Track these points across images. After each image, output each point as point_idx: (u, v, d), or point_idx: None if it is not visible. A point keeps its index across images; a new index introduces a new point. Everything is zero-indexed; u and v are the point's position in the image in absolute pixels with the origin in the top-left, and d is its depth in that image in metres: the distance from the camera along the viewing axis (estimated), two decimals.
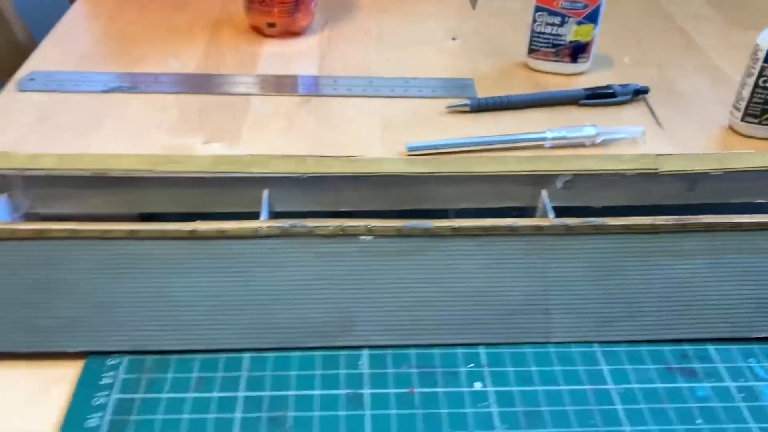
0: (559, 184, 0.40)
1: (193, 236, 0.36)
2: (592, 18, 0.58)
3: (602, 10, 0.57)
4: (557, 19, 0.58)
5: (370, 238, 0.36)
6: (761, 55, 0.49)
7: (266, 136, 0.52)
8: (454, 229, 0.36)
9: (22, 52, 0.73)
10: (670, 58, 0.64)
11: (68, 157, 0.37)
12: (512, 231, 0.37)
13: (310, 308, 0.35)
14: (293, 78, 0.59)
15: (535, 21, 0.59)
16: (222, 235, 0.36)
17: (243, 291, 0.35)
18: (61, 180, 0.38)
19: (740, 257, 0.36)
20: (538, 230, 0.37)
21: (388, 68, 0.61)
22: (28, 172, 0.36)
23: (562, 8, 0.58)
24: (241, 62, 0.62)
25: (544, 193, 0.39)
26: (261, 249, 0.36)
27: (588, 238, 0.37)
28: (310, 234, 0.36)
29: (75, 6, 0.70)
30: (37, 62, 0.60)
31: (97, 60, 0.61)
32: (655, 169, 0.39)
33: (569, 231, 0.37)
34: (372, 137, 0.52)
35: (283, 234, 0.36)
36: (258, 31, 0.66)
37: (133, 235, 0.35)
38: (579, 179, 0.39)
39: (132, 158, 0.37)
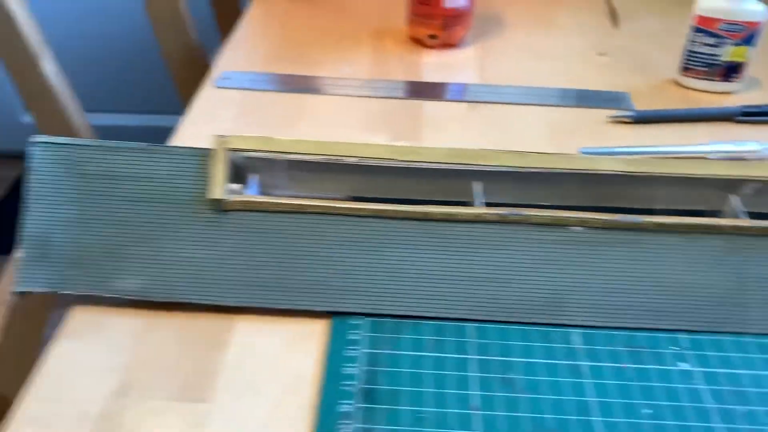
0: (747, 190, 0.43)
1: (425, 218, 0.40)
2: (749, 40, 0.61)
3: (761, 32, 0.60)
4: (714, 40, 0.61)
5: (580, 228, 0.41)
6: None
7: (444, 137, 0.57)
8: (659, 224, 0.40)
9: (193, 55, 0.81)
10: None
11: (322, 143, 0.43)
12: (712, 229, 0.40)
13: (526, 288, 0.39)
14: (458, 86, 0.64)
15: (692, 41, 0.62)
16: (450, 218, 0.41)
17: (467, 268, 0.40)
18: (301, 164, 0.43)
19: None
20: (737, 230, 0.40)
21: (542, 79, 0.66)
22: (289, 156, 0.42)
23: (721, 29, 0.61)
24: (405, 70, 0.67)
25: (734, 198, 0.43)
26: (482, 232, 0.40)
27: None
28: (525, 222, 0.41)
29: (249, 14, 0.77)
30: (224, 64, 0.67)
31: (279, 63, 0.67)
32: None
33: (766, 232, 0.40)
34: (542, 142, 0.57)
35: (501, 220, 0.41)
36: (418, 42, 0.71)
37: (376, 214, 0.40)
38: (766, 187, 0.43)
39: (377, 147, 0.43)
